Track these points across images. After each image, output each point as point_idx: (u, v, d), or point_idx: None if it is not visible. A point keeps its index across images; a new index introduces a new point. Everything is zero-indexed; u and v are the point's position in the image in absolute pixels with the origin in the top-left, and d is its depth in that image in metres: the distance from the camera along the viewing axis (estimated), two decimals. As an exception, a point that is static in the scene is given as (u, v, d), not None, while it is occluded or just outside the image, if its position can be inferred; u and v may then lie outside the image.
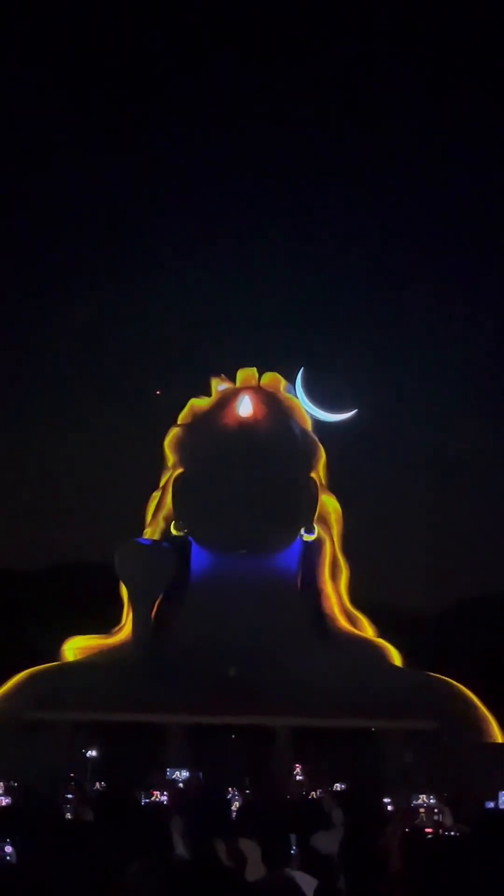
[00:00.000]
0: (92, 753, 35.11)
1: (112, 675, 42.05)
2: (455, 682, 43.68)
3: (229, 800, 15.33)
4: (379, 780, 29.85)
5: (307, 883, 6.73)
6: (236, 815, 10.95)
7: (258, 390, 52.54)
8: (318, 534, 49.90)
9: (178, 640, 47.00)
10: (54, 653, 46.56)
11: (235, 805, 13.59)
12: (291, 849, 7.62)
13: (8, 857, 7.65)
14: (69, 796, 19.04)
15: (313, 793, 21.75)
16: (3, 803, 20.38)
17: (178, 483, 50.05)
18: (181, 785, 26.49)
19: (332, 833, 8.49)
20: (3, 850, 7.71)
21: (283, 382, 53.46)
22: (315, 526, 49.64)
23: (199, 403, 52.50)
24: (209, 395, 52.95)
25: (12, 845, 7.81)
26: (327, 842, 8.13)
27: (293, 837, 7.93)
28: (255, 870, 6.80)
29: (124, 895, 6.90)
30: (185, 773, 31.18)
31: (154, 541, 49.53)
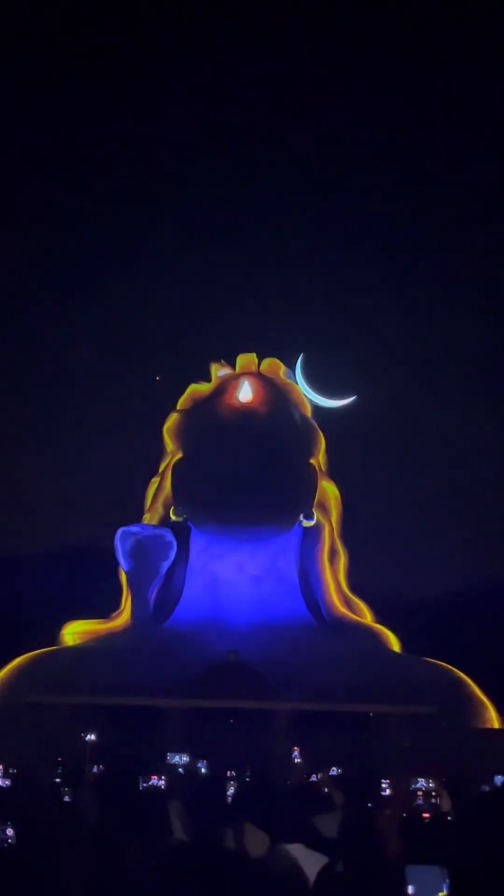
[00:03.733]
0: (91, 737, 35.20)
1: (111, 660, 42.17)
2: (452, 668, 43.82)
3: (226, 784, 15.38)
4: (377, 763, 29.94)
5: (313, 859, 6.75)
6: (233, 799, 11.01)
7: (258, 376, 52.55)
8: (317, 519, 50.01)
9: (176, 625, 47.18)
10: (53, 637, 46.67)
11: (231, 789, 13.64)
12: (293, 822, 7.66)
13: (10, 840, 7.67)
14: (57, 780, 19.12)
15: (314, 776, 21.85)
16: (2, 785, 20.42)
17: (178, 469, 50.11)
18: (181, 770, 26.58)
19: (333, 815, 8.54)
20: (6, 832, 7.73)
21: (282, 368, 53.46)
22: (314, 512, 49.75)
23: (198, 389, 52.51)
24: (209, 380, 52.94)
25: (13, 828, 7.84)
26: (327, 824, 8.18)
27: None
28: (257, 849, 6.84)
29: (124, 877, 6.95)
30: (184, 758, 31.25)
31: (153, 526, 49.64)
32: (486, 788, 15.85)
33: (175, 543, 48.77)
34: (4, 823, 7.94)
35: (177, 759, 31.57)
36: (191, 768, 27.69)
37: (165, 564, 48.42)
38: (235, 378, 52.36)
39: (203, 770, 26.68)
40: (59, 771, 22.37)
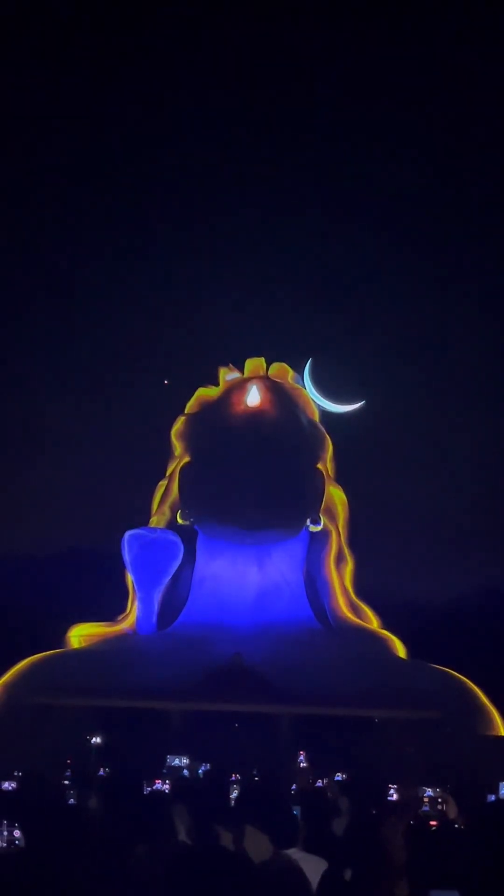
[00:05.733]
0: (96, 740, 35.23)
1: (116, 662, 42.17)
2: (458, 674, 43.73)
3: (230, 787, 15.37)
4: (382, 769, 29.90)
5: (315, 865, 6.76)
6: (237, 802, 11.00)
7: (266, 380, 52.54)
8: (324, 525, 49.95)
9: (182, 628, 47.17)
10: (59, 640, 46.68)
11: (235, 793, 13.63)
12: (297, 826, 7.64)
13: (17, 842, 7.68)
14: (66, 782, 19.15)
15: (320, 781, 21.85)
16: (8, 788, 20.44)
17: (185, 472, 50.12)
18: (185, 773, 26.59)
19: (339, 821, 8.55)
20: (13, 834, 7.73)
21: (291, 373, 53.47)
22: (321, 517, 49.69)
23: (206, 393, 52.54)
24: (217, 384, 52.96)
25: (21, 830, 7.85)
26: (333, 829, 8.18)
27: (297, 812, 7.98)
28: (259, 853, 6.83)
29: (128, 880, 6.95)
30: (188, 761, 31.24)
31: (160, 529, 49.63)
32: (492, 797, 15.83)
33: (182, 547, 48.78)
34: (12, 825, 7.95)
35: (178, 762, 31.56)
36: (195, 772, 27.70)
37: (172, 568, 48.40)
38: (243, 382, 52.36)
39: (207, 774, 26.66)
40: (67, 773, 22.39)
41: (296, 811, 8.36)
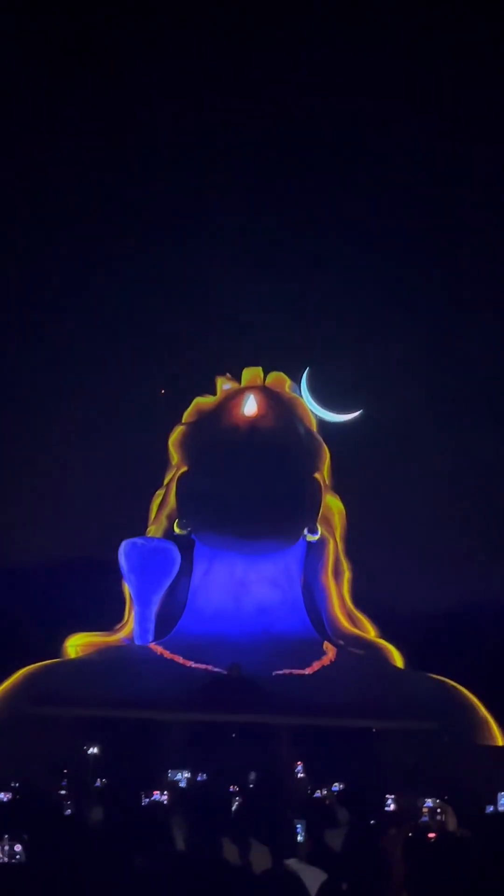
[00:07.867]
0: (93, 750, 35.09)
1: (113, 672, 42.10)
2: (456, 684, 43.68)
3: (229, 798, 15.31)
4: (380, 780, 29.79)
5: (313, 877, 6.73)
6: (237, 813, 10.98)
7: (263, 390, 52.63)
8: (322, 534, 49.96)
9: (179, 638, 47.09)
10: (56, 650, 46.59)
11: (234, 804, 13.57)
12: (298, 838, 7.62)
13: (18, 856, 7.62)
14: (62, 792, 19.06)
15: (318, 791, 21.74)
16: (3, 799, 20.34)
17: (182, 482, 50.16)
18: (182, 784, 26.45)
19: (338, 832, 8.52)
20: (14, 848, 7.67)
21: (288, 382, 53.55)
22: (318, 526, 49.71)
23: (204, 402, 52.61)
24: (214, 393, 53.03)
25: (21, 844, 7.79)
26: (333, 840, 8.16)
27: (300, 827, 7.96)
28: (258, 864, 6.82)
29: (126, 891, 6.92)
30: (186, 772, 31.08)
31: (157, 539, 49.62)
32: (490, 808, 15.79)
33: (179, 556, 48.80)
34: (13, 839, 7.90)
35: (178, 775, 31.40)
36: (193, 783, 27.57)
37: (169, 577, 48.41)
38: (241, 392, 52.44)
39: (205, 784, 26.55)
40: (64, 783, 22.29)
41: (299, 824, 8.33)
